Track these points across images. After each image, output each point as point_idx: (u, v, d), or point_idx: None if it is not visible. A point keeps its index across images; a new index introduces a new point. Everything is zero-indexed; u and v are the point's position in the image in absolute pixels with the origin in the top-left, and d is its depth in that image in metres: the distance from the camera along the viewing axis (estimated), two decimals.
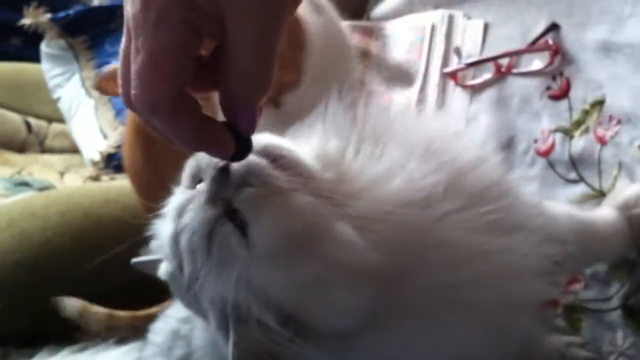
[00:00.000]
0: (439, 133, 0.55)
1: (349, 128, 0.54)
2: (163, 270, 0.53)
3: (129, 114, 1.06)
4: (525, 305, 0.54)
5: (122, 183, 1.27)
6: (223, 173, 0.46)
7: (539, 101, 0.91)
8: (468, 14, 1.10)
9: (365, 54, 1.01)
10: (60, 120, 1.83)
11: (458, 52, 1.08)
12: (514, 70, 0.95)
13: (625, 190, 0.74)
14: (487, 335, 0.51)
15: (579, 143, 0.83)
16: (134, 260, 0.57)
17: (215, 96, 0.43)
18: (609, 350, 0.75)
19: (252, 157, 0.46)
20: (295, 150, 0.49)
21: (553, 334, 0.78)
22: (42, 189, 1.41)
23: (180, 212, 0.48)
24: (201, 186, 0.50)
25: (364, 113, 0.56)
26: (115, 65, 0.82)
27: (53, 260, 1.07)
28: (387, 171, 0.49)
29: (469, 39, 1.08)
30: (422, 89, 1.16)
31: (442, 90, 1.11)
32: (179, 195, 0.51)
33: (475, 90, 1.03)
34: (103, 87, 0.84)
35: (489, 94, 1.00)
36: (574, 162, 0.83)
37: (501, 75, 0.98)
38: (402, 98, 1.11)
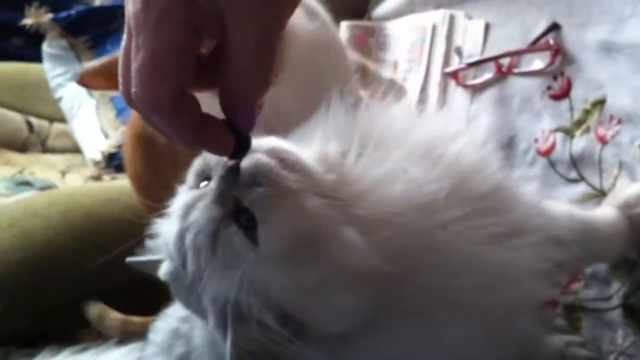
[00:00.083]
0: (440, 134, 0.55)
1: (349, 131, 0.54)
2: (163, 270, 0.53)
3: (130, 119, 1.06)
4: (525, 307, 0.54)
5: (123, 183, 1.26)
6: (233, 172, 0.46)
7: (539, 101, 0.91)
8: (469, 14, 1.10)
9: (363, 72, 0.99)
10: (62, 120, 1.84)
11: (459, 51, 1.08)
12: (515, 70, 0.96)
13: (625, 189, 0.74)
14: (487, 337, 0.51)
15: (580, 143, 0.83)
16: (129, 259, 0.57)
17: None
18: (609, 350, 0.75)
19: (261, 157, 0.46)
20: (299, 152, 0.49)
21: (553, 334, 0.78)
22: (44, 188, 1.41)
23: (187, 210, 0.48)
24: (208, 184, 0.50)
25: (364, 115, 0.56)
26: (102, 60, 0.81)
27: (54, 260, 1.07)
28: (390, 174, 0.49)
29: (470, 38, 1.08)
30: (423, 89, 1.16)
31: (443, 90, 1.12)
32: (185, 194, 0.51)
33: (476, 90, 1.04)
34: (86, 82, 0.84)
35: (489, 94, 1.00)
36: (575, 162, 0.83)
37: (502, 75, 0.98)
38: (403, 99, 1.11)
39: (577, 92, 0.85)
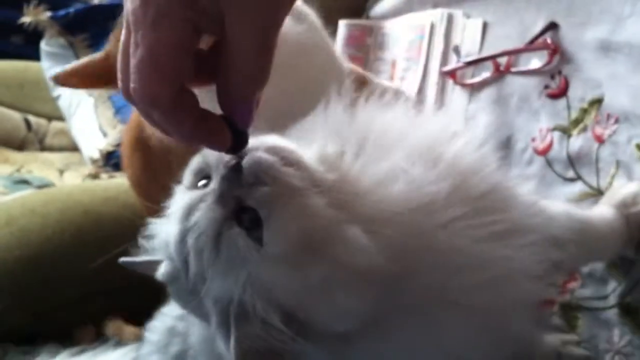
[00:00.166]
0: (439, 135, 0.55)
1: (348, 131, 0.54)
2: (162, 272, 0.52)
3: (129, 122, 1.06)
4: (523, 306, 0.54)
5: (121, 181, 1.26)
6: (234, 171, 0.46)
7: (537, 100, 0.91)
8: (467, 12, 1.10)
9: (361, 81, 0.98)
10: (60, 118, 1.84)
11: (457, 50, 1.08)
12: (513, 69, 0.96)
13: (622, 188, 0.74)
14: (486, 336, 0.51)
15: (577, 142, 0.83)
16: (122, 259, 0.57)
17: None
18: (606, 349, 0.75)
19: (262, 155, 0.46)
20: (300, 151, 0.49)
21: (550, 332, 0.78)
22: (42, 186, 1.41)
23: (189, 211, 0.48)
24: (206, 183, 0.50)
25: (363, 115, 0.56)
26: (80, 60, 0.84)
27: (53, 258, 1.07)
28: (390, 174, 0.49)
29: (468, 37, 1.08)
30: (421, 88, 1.16)
31: (441, 89, 1.12)
32: (183, 194, 0.51)
33: (474, 89, 1.04)
34: (60, 81, 0.85)
35: (487, 93, 1.00)
36: (572, 161, 0.83)
37: (500, 74, 0.98)
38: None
39: (574, 91, 0.85)
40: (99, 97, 1.68)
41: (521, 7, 0.97)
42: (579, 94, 0.84)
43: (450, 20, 1.13)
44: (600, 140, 0.80)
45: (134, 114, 1.04)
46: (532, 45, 0.92)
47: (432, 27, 1.16)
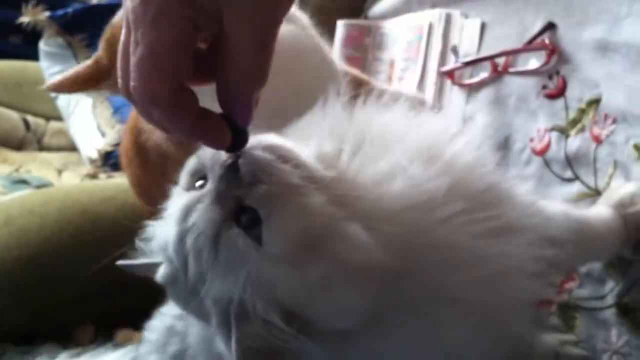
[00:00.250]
0: (438, 135, 0.55)
1: (346, 129, 0.54)
2: (161, 273, 0.52)
3: (128, 125, 1.06)
4: (521, 305, 0.54)
5: (120, 181, 1.27)
6: (231, 171, 0.46)
7: (535, 100, 0.91)
8: (465, 13, 1.11)
9: (356, 83, 0.97)
10: (59, 118, 1.84)
11: (455, 50, 1.08)
12: (511, 70, 0.96)
13: (620, 189, 0.74)
14: (485, 336, 0.51)
15: (575, 142, 0.83)
16: (120, 262, 0.56)
17: None
18: (603, 348, 0.75)
19: (260, 154, 0.46)
20: (298, 150, 0.49)
21: (547, 332, 0.79)
22: (40, 186, 1.41)
23: (186, 212, 0.48)
24: (203, 184, 0.49)
25: (361, 114, 0.56)
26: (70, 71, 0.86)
27: (51, 258, 1.07)
28: (388, 172, 0.49)
29: (466, 38, 1.08)
30: (420, 88, 1.16)
31: (439, 90, 1.12)
32: (180, 196, 0.51)
33: (472, 89, 1.04)
34: (54, 89, 0.87)
35: (485, 93, 1.01)
36: (570, 161, 0.84)
37: (498, 74, 0.98)
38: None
39: (572, 92, 0.85)
40: (97, 97, 1.67)
41: (519, 8, 0.97)
42: (576, 94, 0.85)
43: (448, 20, 1.13)
44: (598, 140, 0.80)
45: (131, 117, 1.04)
46: (530, 46, 0.92)
47: (431, 27, 1.16)
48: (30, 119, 1.84)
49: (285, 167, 0.46)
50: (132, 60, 0.39)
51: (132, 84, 0.39)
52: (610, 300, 0.75)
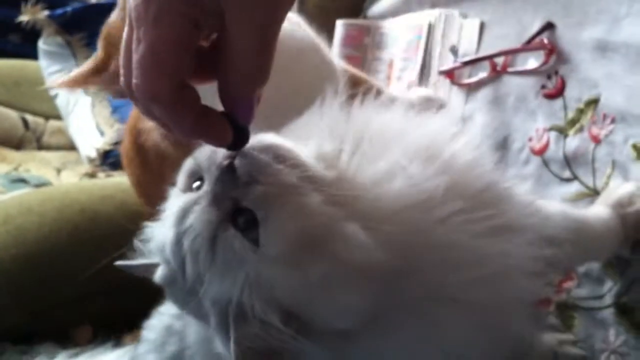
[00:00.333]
0: (438, 134, 0.55)
1: (345, 129, 0.54)
2: (159, 275, 0.52)
3: (128, 126, 1.07)
4: (521, 304, 0.54)
5: (118, 180, 1.27)
6: (228, 173, 0.46)
7: (534, 100, 0.91)
8: (464, 12, 1.11)
9: (355, 81, 0.97)
10: (58, 117, 1.84)
11: (454, 50, 1.08)
12: (510, 69, 0.96)
13: (618, 188, 0.74)
14: (485, 335, 0.51)
15: (574, 142, 0.83)
16: (119, 263, 0.56)
17: None
18: (601, 348, 0.75)
19: (256, 155, 0.46)
20: (297, 149, 0.49)
21: (546, 332, 0.79)
22: (39, 185, 1.41)
23: (183, 214, 0.48)
24: (200, 185, 0.49)
25: (360, 114, 0.56)
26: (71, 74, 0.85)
27: (50, 256, 1.07)
28: (388, 172, 0.49)
29: (465, 37, 1.08)
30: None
31: (439, 89, 1.12)
32: (178, 197, 0.51)
33: (471, 88, 1.04)
34: (58, 87, 0.87)
35: (484, 93, 1.01)
36: (568, 161, 0.84)
37: (497, 74, 0.98)
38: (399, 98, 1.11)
39: (571, 91, 0.85)
40: (96, 96, 1.68)
41: (518, 7, 0.97)
42: (575, 94, 0.85)
43: (447, 20, 1.13)
44: (596, 140, 0.80)
45: (131, 117, 1.04)
46: (529, 45, 0.92)
47: (430, 27, 1.16)
48: (29, 118, 1.84)
49: (282, 167, 0.46)
50: (134, 57, 0.39)
51: (134, 81, 0.40)
52: (608, 299, 0.75)
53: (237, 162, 0.46)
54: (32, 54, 1.87)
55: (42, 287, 1.06)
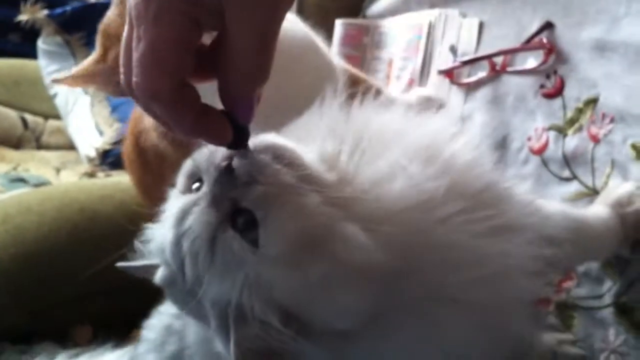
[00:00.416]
0: (437, 134, 0.55)
1: (345, 129, 0.54)
2: (159, 276, 0.52)
3: (129, 127, 1.06)
4: (520, 304, 0.54)
5: (118, 179, 1.27)
6: (226, 174, 0.46)
7: (533, 99, 0.91)
8: (464, 12, 1.11)
9: (354, 80, 0.97)
10: (57, 117, 1.84)
11: (453, 50, 1.08)
12: (509, 69, 0.96)
13: (617, 188, 0.74)
14: (485, 335, 0.51)
15: (573, 141, 0.83)
16: (119, 263, 0.56)
17: None
18: (601, 348, 0.75)
19: (255, 155, 0.46)
20: (298, 150, 0.49)
21: (545, 332, 0.79)
22: (38, 185, 1.41)
23: (183, 216, 0.48)
24: (200, 186, 0.49)
25: (360, 114, 0.56)
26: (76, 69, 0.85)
27: (49, 256, 1.07)
28: (387, 172, 0.49)
29: (465, 37, 1.08)
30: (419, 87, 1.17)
31: (438, 89, 1.12)
32: (177, 199, 0.51)
33: (470, 88, 1.04)
34: (62, 83, 0.87)
35: (483, 93, 1.01)
36: (568, 160, 0.84)
37: (496, 73, 0.98)
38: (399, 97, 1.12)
39: (570, 91, 0.85)
40: (96, 95, 1.68)
41: (517, 7, 0.97)
42: (574, 93, 0.85)
43: (446, 19, 1.13)
44: (595, 139, 0.80)
45: (132, 118, 1.04)
46: (528, 45, 0.92)
47: (430, 26, 1.16)
48: (29, 117, 1.84)
49: (281, 168, 0.46)
50: (135, 56, 0.39)
51: (134, 79, 0.39)
52: (608, 299, 0.75)
53: (236, 162, 0.46)
54: (32, 54, 1.87)
55: (41, 286, 1.06)
